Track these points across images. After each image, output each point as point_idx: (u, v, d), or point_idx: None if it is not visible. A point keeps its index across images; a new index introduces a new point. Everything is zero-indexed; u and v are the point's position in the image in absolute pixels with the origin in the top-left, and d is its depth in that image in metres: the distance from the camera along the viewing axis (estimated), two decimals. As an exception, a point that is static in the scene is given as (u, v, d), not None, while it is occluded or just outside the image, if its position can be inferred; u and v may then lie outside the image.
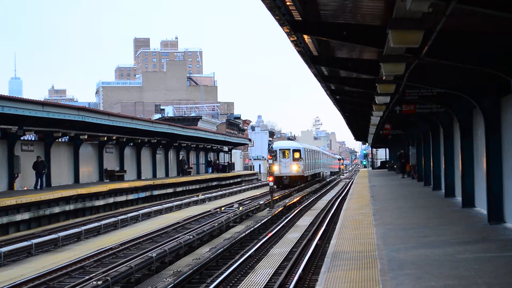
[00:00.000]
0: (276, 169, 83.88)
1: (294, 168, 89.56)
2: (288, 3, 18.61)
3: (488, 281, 16.53)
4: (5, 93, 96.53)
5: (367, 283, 16.79)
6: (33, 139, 61.17)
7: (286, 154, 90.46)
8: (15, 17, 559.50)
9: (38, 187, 53.54)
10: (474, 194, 33.49)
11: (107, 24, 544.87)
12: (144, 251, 30.10)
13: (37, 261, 29.51)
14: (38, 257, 30.82)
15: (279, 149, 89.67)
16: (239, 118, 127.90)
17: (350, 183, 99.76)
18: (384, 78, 24.95)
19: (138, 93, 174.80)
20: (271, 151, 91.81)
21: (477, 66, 22.64)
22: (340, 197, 67.22)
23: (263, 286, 23.63)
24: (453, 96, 30.64)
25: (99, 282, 21.73)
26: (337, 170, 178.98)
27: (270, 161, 76.72)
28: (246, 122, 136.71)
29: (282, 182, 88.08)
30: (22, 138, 55.99)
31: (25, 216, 43.85)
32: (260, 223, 41.96)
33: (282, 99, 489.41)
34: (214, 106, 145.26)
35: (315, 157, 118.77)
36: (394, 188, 55.72)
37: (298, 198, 67.37)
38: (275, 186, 78.13)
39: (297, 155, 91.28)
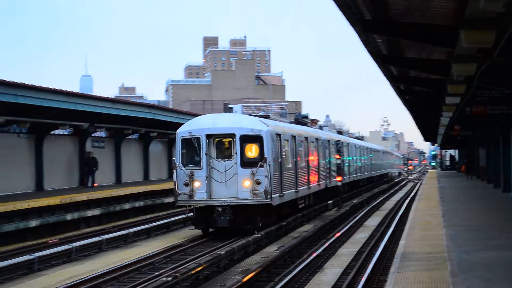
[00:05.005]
0: (184, 188, 32.99)
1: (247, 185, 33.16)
2: (358, 2, 18.54)
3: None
4: (76, 90, 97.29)
5: (436, 284, 16.67)
6: (104, 136, 61.78)
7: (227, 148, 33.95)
8: (88, 16, 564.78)
9: (89, 185, 53.48)
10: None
11: (176, 23, 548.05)
12: (212, 248, 30.22)
13: (107, 256, 29.80)
14: (109, 252, 31.17)
15: (205, 135, 33.24)
16: (307, 117, 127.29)
17: (419, 184, 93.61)
18: (454, 78, 24.74)
19: (207, 91, 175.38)
20: (185, 141, 34.18)
21: None
22: (409, 198, 66.50)
23: (332, 285, 23.56)
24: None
25: (169, 279, 21.83)
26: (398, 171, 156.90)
27: (178, 166, 32.49)
28: (314, 121, 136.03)
29: (211, 222, 33.45)
30: (93, 135, 56.63)
31: (96, 212, 44.62)
32: (327, 223, 41.90)
33: (350, 99, 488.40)
34: (282, 105, 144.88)
35: (376, 156, 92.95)
36: (463, 190, 55.21)
37: (366, 198, 66.56)
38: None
39: (255, 149, 33.36)
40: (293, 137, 39.87)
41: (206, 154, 31.78)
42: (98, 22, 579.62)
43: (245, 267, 26.62)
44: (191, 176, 31.70)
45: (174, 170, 32.37)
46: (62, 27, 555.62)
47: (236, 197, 31.56)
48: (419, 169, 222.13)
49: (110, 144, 61.11)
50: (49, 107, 42.64)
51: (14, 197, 41.76)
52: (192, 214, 33.67)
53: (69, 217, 41.44)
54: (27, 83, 40.70)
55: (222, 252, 26.83)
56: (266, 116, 50.34)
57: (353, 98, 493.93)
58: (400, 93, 41.55)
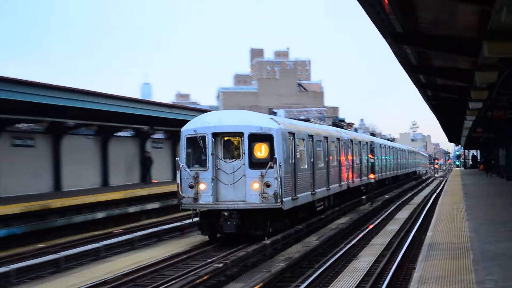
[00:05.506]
0: (189, 190, 27.80)
1: (255, 187, 27.45)
2: (391, 17, 18.40)
3: None
4: (137, 96, 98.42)
5: (460, 271, 16.49)
6: (162, 137, 62.57)
7: (236, 148, 28.29)
8: (150, 31, 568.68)
9: (149, 181, 54.42)
10: None
11: (225, 35, 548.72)
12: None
13: (165, 245, 30.11)
14: (166, 242, 31.46)
15: (211, 134, 27.56)
16: (343, 121, 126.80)
17: (444, 181, 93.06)
18: (477, 85, 24.52)
19: (254, 97, 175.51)
20: (190, 140, 28.30)
21: None
22: (435, 194, 66.05)
23: (365, 272, 23.42)
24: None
25: (220, 265, 21.82)
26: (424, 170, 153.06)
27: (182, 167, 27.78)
28: (350, 124, 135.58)
29: (217, 227, 28.23)
30: (152, 136, 57.35)
31: (155, 205, 45.38)
32: (362, 216, 41.73)
33: (382, 104, 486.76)
34: (321, 110, 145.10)
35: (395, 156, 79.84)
36: (484, 186, 54.70)
37: (396, 194, 66.15)
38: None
39: (265, 149, 27.78)
40: (310, 136, 34.08)
41: (212, 154, 26.63)
42: (158, 36, 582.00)
43: (288, 255, 26.57)
44: (196, 178, 26.36)
45: (177, 171, 27.22)
46: (124, 39, 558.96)
47: (244, 201, 26.51)
48: (444, 168, 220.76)
49: (167, 145, 62.03)
50: (115, 112, 43.21)
51: (85, 192, 43.21)
52: (197, 219, 28.56)
53: (131, 209, 42.23)
54: (95, 90, 41.80)
55: (268, 242, 26.79)
56: (307, 120, 48.74)
57: (385, 103, 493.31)
58: (428, 99, 41.33)
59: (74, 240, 31.90)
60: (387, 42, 20.73)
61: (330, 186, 38.49)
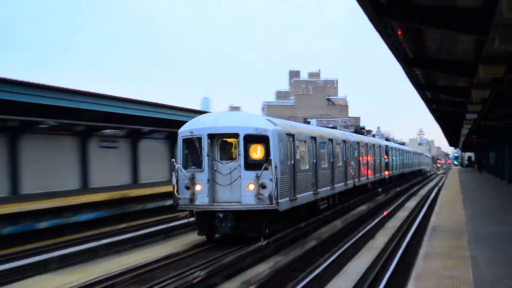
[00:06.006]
0: (185, 191, 23.20)
1: (251, 188, 22.60)
2: (404, 45, 18.44)
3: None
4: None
5: (457, 248, 16.58)
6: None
7: (233, 150, 23.62)
8: (208, 53, 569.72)
9: None
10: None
11: (269, 58, 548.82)
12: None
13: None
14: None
15: (207, 135, 23.11)
16: (363, 128, 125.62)
17: (445, 177, 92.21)
18: (473, 100, 24.44)
19: (292, 110, 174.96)
20: (186, 142, 23.78)
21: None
22: (437, 187, 65.61)
23: (381, 248, 23.44)
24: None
25: (264, 243, 21.74)
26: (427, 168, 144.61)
27: (178, 169, 23.29)
28: (368, 131, 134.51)
29: (214, 228, 23.29)
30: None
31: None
32: (377, 205, 41.66)
33: (395, 114, 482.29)
34: (346, 119, 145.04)
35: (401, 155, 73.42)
36: (478, 182, 54.36)
37: (405, 187, 65.80)
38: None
39: (261, 150, 23.08)
40: (313, 138, 29.06)
41: (208, 156, 22.27)
42: (216, 58, 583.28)
43: (318, 236, 26.64)
44: (193, 179, 22.14)
45: (173, 173, 22.75)
46: (187, 60, 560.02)
47: (240, 202, 22.00)
48: (445, 167, 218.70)
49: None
50: (179, 120, 43.68)
51: (156, 184, 43.77)
52: (193, 219, 23.86)
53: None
54: (166, 103, 42.58)
55: (302, 225, 26.81)
56: (334, 127, 46.72)
57: (397, 113, 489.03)
58: (433, 111, 41.12)
59: (147, 223, 32.25)
60: (401, 66, 20.74)
61: (335, 186, 33.28)
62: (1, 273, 18.82)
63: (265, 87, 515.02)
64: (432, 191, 59.96)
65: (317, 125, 47.94)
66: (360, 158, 43.17)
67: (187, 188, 22.35)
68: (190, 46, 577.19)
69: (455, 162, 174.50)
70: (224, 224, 21.63)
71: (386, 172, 58.21)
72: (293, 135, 24.79)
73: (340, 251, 22.46)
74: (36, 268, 19.63)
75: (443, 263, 14.66)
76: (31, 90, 30.89)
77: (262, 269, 19.00)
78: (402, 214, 37.35)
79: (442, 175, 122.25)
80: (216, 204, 22.21)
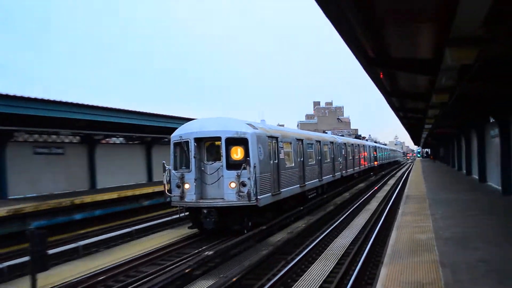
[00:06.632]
0: (176, 190, 17.45)
1: (232, 186, 16.80)
2: (384, 83, 18.13)
3: (475, 206, 15.91)
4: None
5: (423, 208, 16.29)
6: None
7: (215, 151, 17.78)
8: (257, 86, 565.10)
9: None
10: (472, 169, 31.60)
11: (302, 89, 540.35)
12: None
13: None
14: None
15: (194, 139, 17.49)
16: (360, 136, 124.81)
17: (413, 165, 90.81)
18: (429, 115, 23.87)
19: (315, 126, 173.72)
20: (176, 145, 18.04)
21: (471, 115, 21.44)
22: (408, 171, 64.49)
23: (374, 210, 23.06)
24: (463, 126, 29.04)
25: (301, 208, 21.56)
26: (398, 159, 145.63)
27: (168, 169, 17.52)
28: (363, 137, 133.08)
29: (200, 221, 17.07)
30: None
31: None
32: (371, 183, 41.09)
33: (382, 124, 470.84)
34: (349, 131, 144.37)
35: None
36: (433, 167, 53.06)
37: (388, 171, 64.81)
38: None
39: (241, 152, 17.13)
40: (299, 140, 23.05)
41: (194, 157, 17.55)
42: (270, 83, 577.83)
43: (334, 202, 26.37)
44: (182, 178, 17.53)
45: (163, 173, 17.56)
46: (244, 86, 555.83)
47: (222, 199, 17.08)
48: (412, 158, 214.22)
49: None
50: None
51: (134, 186, 29.92)
52: (184, 214, 18.51)
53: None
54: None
55: (325, 196, 26.54)
56: (342, 135, 45.82)
57: (383, 124, 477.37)
58: (400, 118, 40.04)
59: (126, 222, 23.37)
60: (383, 96, 20.38)
61: (323, 178, 26.99)
62: (110, 238, 17.79)
63: (301, 110, 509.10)
64: (405, 173, 58.90)
65: (332, 134, 45.63)
66: (347, 155, 36.06)
67: (178, 186, 17.41)
68: (243, 78, 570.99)
69: (418, 155, 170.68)
70: (208, 219, 16.57)
71: (375, 162, 58.21)
72: (276, 137, 19.33)
73: (348, 212, 22.26)
74: (122, 238, 18.41)
75: (413, 218, 14.43)
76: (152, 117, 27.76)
77: (300, 224, 18.99)
78: (386, 188, 36.81)
79: (410, 163, 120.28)
80: (202, 201, 17.06)
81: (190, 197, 16.95)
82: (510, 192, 19.17)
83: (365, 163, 47.77)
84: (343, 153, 34.38)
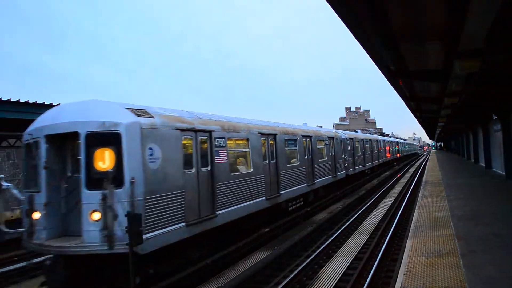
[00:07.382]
0: (25, 221, 4.92)
1: (95, 218, 4.45)
2: (404, 90, 17.56)
3: (483, 189, 15.10)
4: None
5: (439, 191, 15.74)
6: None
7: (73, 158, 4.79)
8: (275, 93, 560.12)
9: None
10: (479, 158, 29.95)
11: (336, 97, 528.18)
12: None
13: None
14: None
15: (44, 137, 4.84)
16: (384, 133, 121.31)
17: (429, 156, 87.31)
18: (441, 115, 22.86)
19: (347, 126, 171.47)
20: (27, 148, 4.97)
21: (477, 113, 20.32)
22: (425, 161, 61.99)
23: (398, 193, 22.32)
24: (473, 122, 27.62)
25: (338, 192, 21.15)
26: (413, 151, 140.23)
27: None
28: (387, 135, 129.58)
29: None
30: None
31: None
32: (393, 172, 39.82)
33: (402, 122, 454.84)
34: (375, 130, 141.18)
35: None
36: (447, 157, 50.85)
37: (407, 162, 62.78)
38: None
39: (110, 157, 4.88)
40: (265, 135, 11.76)
41: (45, 168, 6.54)
42: (308, 100, 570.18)
43: (365, 188, 25.67)
44: (31, 203, 6.65)
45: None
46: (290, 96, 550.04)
47: (80, 240, 6.10)
48: (428, 150, 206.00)
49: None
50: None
51: None
52: (39, 259, 8.69)
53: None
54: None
55: (359, 182, 25.81)
56: (369, 133, 43.83)
57: (404, 122, 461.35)
58: (417, 117, 38.42)
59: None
60: (403, 100, 19.74)
61: (316, 181, 16.25)
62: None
63: (335, 114, 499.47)
64: (422, 163, 56.73)
65: (361, 132, 43.86)
66: (356, 151, 25.31)
67: (27, 215, 7.25)
68: (290, 87, 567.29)
69: (433, 148, 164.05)
70: (51, 277, 6.92)
71: (398, 154, 57.24)
72: (209, 132, 9.14)
73: (376, 196, 21.71)
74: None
75: (432, 199, 13.94)
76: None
77: (337, 206, 18.73)
78: (407, 175, 35.59)
79: (427, 154, 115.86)
80: (51, 242, 6.95)
81: (39, 235, 7.20)
82: (514, 176, 18.13)
83: (389, 155, 46.79)
84: (349, 149, 22.87)
